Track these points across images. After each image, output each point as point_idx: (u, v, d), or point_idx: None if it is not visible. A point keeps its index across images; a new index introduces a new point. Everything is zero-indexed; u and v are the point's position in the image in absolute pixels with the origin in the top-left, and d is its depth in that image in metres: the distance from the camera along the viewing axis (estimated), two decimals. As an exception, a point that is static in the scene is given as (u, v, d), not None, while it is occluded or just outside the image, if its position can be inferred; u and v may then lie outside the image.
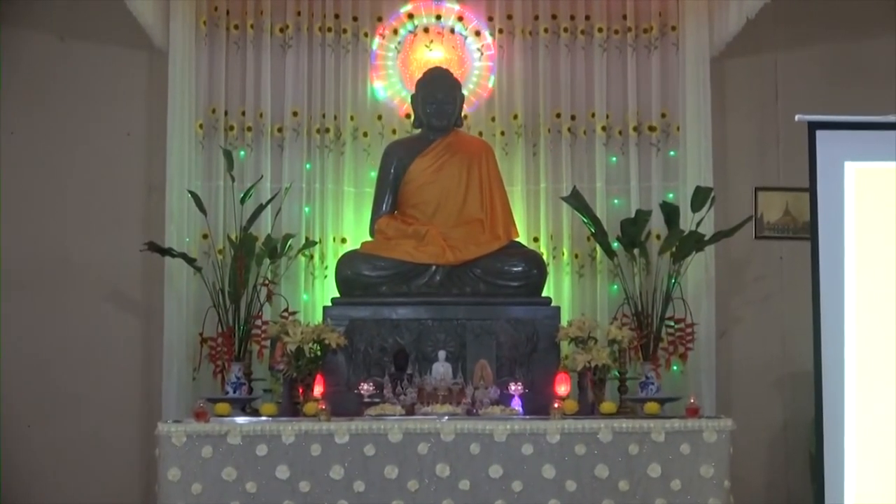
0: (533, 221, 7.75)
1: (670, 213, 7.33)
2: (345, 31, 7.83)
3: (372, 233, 7.41)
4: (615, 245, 7.41)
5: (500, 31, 7.88)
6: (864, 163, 5.20)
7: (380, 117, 7.85)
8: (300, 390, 6.59)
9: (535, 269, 7.14)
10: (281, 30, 7.76)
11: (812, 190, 5.24)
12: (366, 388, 6.40)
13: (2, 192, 7.61)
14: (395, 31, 7.91)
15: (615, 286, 7.58)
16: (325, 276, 7.58)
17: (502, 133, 7.81)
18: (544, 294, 7.22)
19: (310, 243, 7.52)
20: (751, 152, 7.98)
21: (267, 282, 7.22)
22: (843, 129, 5.27)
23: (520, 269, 7.10)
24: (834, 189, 5.18)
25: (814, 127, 5.25)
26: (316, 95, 7.77)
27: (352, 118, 7.78)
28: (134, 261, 7.52)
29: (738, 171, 7.93)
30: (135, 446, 7.50)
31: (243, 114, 7.69)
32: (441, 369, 6.54)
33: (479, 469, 5.98)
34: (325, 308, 7.05)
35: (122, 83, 7.81)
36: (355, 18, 7.85)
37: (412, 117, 7.62)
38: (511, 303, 7.00)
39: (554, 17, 7.87)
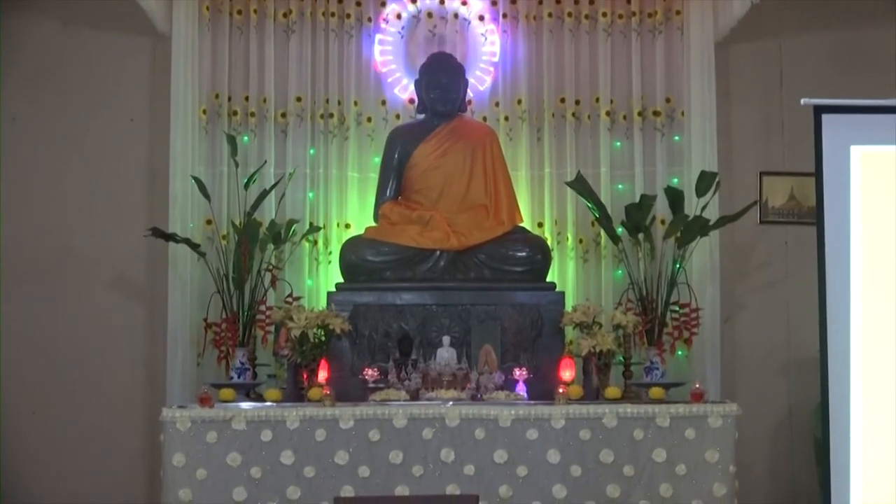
0: (537, 207, 7.74)
1: (675, 197, 7.31)
2: (348, 16, 7.81)
3: (376, 218, 7.40)
4: (620, 230, 7.40)
5: (504, 15, 7.86)
6: (870, 147, 5.17)
7: (384, 102, 7.84)
8: (304, 376, 6.60)
9: (540, 254, 7.14)
10: (284, 15, 7.74)
11: (818, 174, 5.21)
12: (370, 373, 6.41)
13: (4, 179, 7.61)
14: (399, 16, 7.88)
15: (620, 271, 7.58)
16: (330, 262, 7.57)
17: (506, 118, 7.80)
18: (549, 279, 7.22)
19: (314, 229, 7.51)
20: (755, 137, 7.96)
21: (271, 267, 7.22)
22: (849, 112, 5.24)
23: (524, 254, 7.10)
24: (840, 173, 5.15)
25: (819, 111, 5.22)
26: (319, 81, 7.75)
27: (355, 103, 7.76)
28: (137, 247, 7.51)
29: (742, 155, 7.92)
30: (139, 432, 7.51)
31: (247, 99, 7.68)
32: (445, 355, 6.54)
33: (483, 454, 6.00)
34: (329, 293, 7.05)
35: (125, 69, 7.79)
36: (358, 3, 7.83)
37: (416, 102, 7.60)
38: (515, 288, 6.99)
39: (558, 1, 7.85)
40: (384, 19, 7.87)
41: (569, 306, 7.07)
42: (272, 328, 7.03)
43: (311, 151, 7.71)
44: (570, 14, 7.82)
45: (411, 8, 7.90)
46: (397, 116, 7.81)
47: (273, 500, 5.93)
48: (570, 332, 7.01)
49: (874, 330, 5.17)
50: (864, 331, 5.17)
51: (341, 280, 7.12)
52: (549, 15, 7.82)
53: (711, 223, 7.19)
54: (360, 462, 5.96)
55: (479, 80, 7.85)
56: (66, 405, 7.52)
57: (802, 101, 5.28)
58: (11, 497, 7.37)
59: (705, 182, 7.20)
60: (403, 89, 7.83)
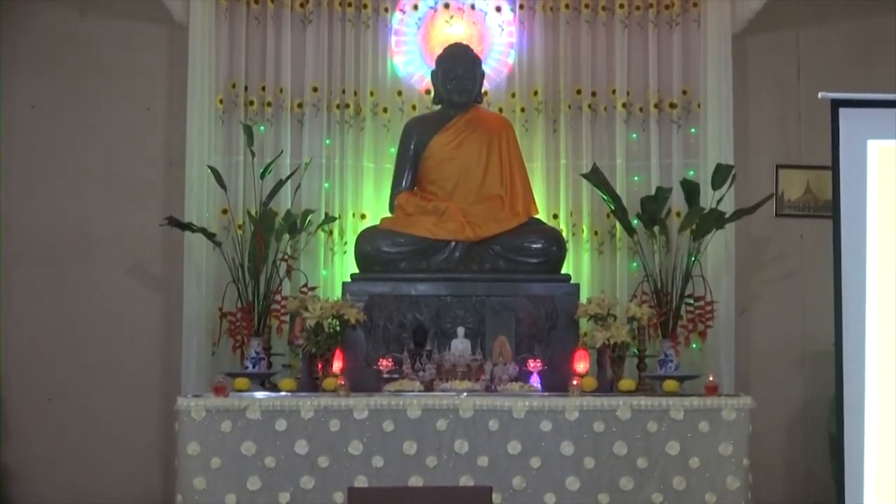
0: (553, 198, 7.73)
1: (691, 190, 7.30)
2: (365, 6, 7.80)
3: (391, 209, 7.41)
4: (635, 222, 7.40)
5: (521, 6, 7.85)
6: (887, 141, 5.16)
7: (400, 93, 7.83)
8: (319, 366, 6.60)
9: (555, 245, 7.13)
10: (301, 5, 7.74)
11: (834, 168, 5.20)
12: (385, 363, 6.41)
13: (22, 166, 7.64)
14: (416, 7, 7.87)
15: (635, 263, 7.57)
16: (345, 252, 7.58)
17: (522, 109, 7.79)
18: (564, 271, 7.21)
19: (329, 219, 7.52)
20: (772, 129, 7.94)
21: (286, 257, 7.24)
22: (866, 106, 5.23)
23: (539, 245, 7.09)
24: (857, 167, 5.15)
25: (837, 104, 5.21)
26: (336, 71, 7.75)
27: (372, 94, 7.76)
28: (154, 235, 7.54)
29: (758, 148, 7.90)
30: (154, 420, 7.54)
31: (263, 89, 7.68)
32: (460, 345, 6.55)
33: (497, 445, 6.01)
34: (344, 284, 7.05)
35: (143, 58, 7.80)
36: (375, -7, 7.84)
37: (432, 93, 7.60)
38: (530, 279, 6.99)
39: (575, -8, 7.85)
40: (401, 9, 7.86)
41: (583, 298, 7.06)
42: (287, 318, 7.04)
43: (327, 142, 7.71)
44: (587, 5, 7.81)
45: (428, -2, 7.90)
46: (413, 107, 7.80)
47: (287, 490, 5.95)
48: (584, 324, 7.00)
49: (890, 324, 5.16)
50: (880, 325, 5.17)
51: (356, 270, 7.13)
52: (567, 6, 7.80)
53: (727, 216, 7.18)
54: (374, 452, 5.98)
55: (496, 72, 7.84)
56: (81, 393, 7.56)
57: (820, 94, 5.28)
58: (25, 484, 7.42)
59: (721, 175, 7.19)
60: (420, 80, 7.83)
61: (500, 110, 7.76)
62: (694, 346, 7.33)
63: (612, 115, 7.76)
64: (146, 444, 7.54)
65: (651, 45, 7.79)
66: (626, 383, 6.48)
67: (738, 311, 7.55)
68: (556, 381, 6.40)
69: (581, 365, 6.37)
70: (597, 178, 7.34)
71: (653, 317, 7.00)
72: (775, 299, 7.82)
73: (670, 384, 6.47)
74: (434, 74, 7.52)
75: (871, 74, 7.57)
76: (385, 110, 7.78)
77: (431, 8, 7.88)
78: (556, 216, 7.68)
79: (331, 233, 7.61)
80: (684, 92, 7.76)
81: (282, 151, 7.56)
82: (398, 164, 7.49)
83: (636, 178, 7.73)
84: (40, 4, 7.70)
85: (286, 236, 7.26)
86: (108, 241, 7.65)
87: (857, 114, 5.20)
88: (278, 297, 7.12)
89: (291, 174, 7.44)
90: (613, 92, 7.76)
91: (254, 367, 6.90)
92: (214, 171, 7.27)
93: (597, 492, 6.00)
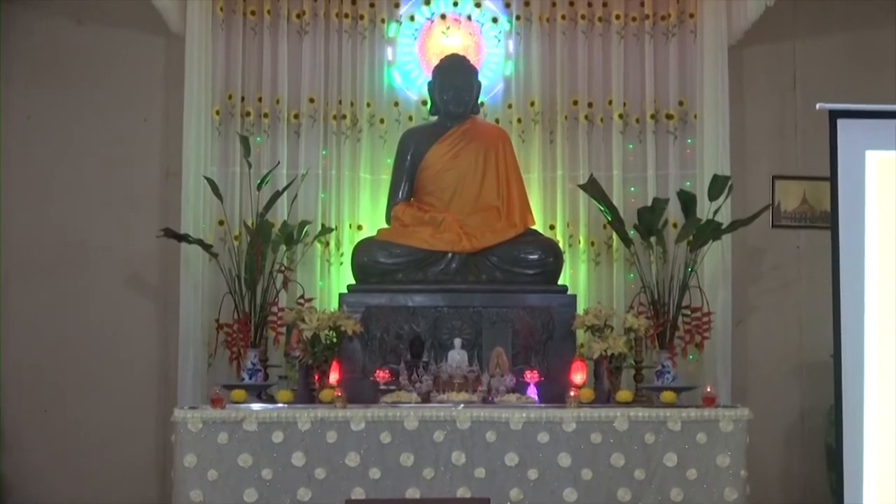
0: (549, 209, 7.73)
1: (687, 201, 7.30)
2: (362, 17, 7.81)
3: (388, 220, 7.40)
4: (632, 233, 7.39)
5: (518, 17, 7.85)
6: (886, 152, 5.16)
7: (396, 104, 7.84)
8: (316, 377, 6.59)
9: (552, 256, 7.13)
10: (298, 16, 7.75)
11: (833, 179, 5.20)
12: (382, 375, 6.40)
13: (19, 176, 7.62)
14: (412, 18, 7.89)
15: (631, 274, 7.57)
16: (341, 263, 7.58)
17: (519, 120, 7.79)
18: (560, 282, 7.21)
19: (326, 230, 7.52)
20: (768, 140, 7.95)
21: (283, 268, 7.23)
22: (864, 117, 5.23)
23: (536, 256, 7.09)
24: (855, 178, 5.14)
25: (835, 115, 5.21)
26: (332, 82, 7.75)
27: (368, 105, 7.77)
28: (150, 246, 7.53)
29: (755, 159, 7.90)
30: (151, 432, 7.53)
31: (260, 100, 7.69)
32: (457, 357, 6.54)
33: (494, 457, 5.99)
34: (340, 295, 7.04)
35: (139, 69, 7.80)
36: (372, 4, 7.83)
37: (429, 104, 7.60)
38: (527, 290, 6.99)
39: (571, 3, 7.84)
40: (397, 21, 7.87)
41: (580, 309, 7.06)
42: (284, 329, 7.04)
43: (324, 152, 7.71)
44: (583, 16, 7.82)
45: (425, 10, 7.90)
46: (410, 118, 7.81)
47: (284, 502, 5.92)
48: (581, 335, 7.00)
49: (889, 334, 5.16)
50: (879, 335, 5.16)
51: (353, 281, 7.12)
52: (563, 17, 7.81)
53: (724, 227, 7.17)
54: (371, 464, 5.96)
55: (492, 82, 7.84)
56: (77, 404, 7.54)
57: (818, 105, 5.28)
58: (22, 495, 7.40)
59: (718, 185, 7.19)
60: (416, 91, 7.83)
61: (497, 121, 7.77)
62: (691, 357, 7.32)
63: (608, 126, 7.77)
64: (143, 456, 7.52)
65: (647, 56, 7.80)
66: (624, 394, 6.46)
67: (735, 321, 7.55)
68: (554, 393, 6.38)
69: (578, 376, 6.35)
70: (593, 188, 7.34)
71: (650, 328, 7.00)
72: (772, 310, 7.82)
73: (668, 395, 6.46)
74: (430, 85, 7.52)
75: (868, 85, 7.58)
76: (382, 121, 7.79)
77: (428, 19, 7.90)
78: (552, 227, 7.68)
79: (327, 244, 7.61)
80: (681, 103, 7.78)
81: (278, 162, 7.55)
82: (395, 175, 7.49)
83: (633, 189, 7.74)
84: (37, 14, 7.70)
85: (283, 247, 7.25)
86: (105, 252, 7.64)
87: (855, 124, 5.20)
88: (275, 309, 7.12)
89: (288, 185, 7.44)
90: (610, 103, 7.77)
91: (250, 378, 6.89)
92: (211, 181, 7.27)
93: (594, 503, 5.98)
